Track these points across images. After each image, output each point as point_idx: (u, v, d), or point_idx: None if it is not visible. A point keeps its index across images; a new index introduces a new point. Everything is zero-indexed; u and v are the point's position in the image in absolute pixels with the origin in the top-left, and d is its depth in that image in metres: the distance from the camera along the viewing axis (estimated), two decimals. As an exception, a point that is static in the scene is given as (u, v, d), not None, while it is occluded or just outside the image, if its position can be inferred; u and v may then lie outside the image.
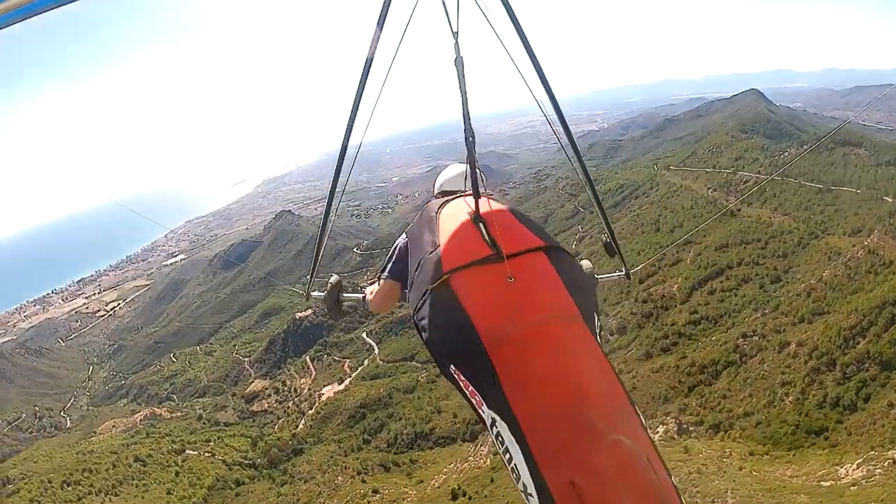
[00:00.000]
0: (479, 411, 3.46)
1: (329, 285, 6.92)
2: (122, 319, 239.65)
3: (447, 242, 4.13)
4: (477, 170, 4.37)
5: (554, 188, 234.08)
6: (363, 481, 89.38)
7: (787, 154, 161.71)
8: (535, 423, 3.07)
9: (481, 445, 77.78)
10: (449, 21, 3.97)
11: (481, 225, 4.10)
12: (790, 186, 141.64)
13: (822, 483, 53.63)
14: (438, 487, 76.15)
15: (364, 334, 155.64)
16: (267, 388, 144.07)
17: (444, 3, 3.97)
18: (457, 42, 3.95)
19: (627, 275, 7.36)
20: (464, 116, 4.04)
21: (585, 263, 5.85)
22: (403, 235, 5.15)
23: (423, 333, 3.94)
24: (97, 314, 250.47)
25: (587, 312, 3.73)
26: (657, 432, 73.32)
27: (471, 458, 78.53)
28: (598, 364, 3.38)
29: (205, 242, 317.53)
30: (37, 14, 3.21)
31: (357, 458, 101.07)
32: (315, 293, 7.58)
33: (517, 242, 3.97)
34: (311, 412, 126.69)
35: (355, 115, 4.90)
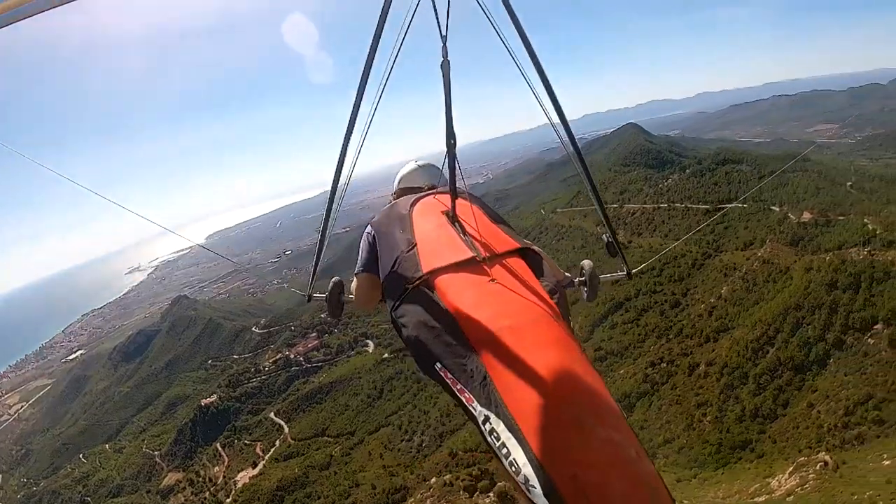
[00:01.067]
0: (470, 408, 3.38)
1: (330, 286, 6.64)
2: (27, 423, 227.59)
3: (424, 242, 4.24)
4: (457, 170, 4.52)
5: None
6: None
7: (670, 180, 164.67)
8: (529, 420, 3.07)
9: None
10: (438, 24, 3.91)
11: (458, 225, 4.27)
12: (677, 211, 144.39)
13: (756, 499, 52.09)
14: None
15: (272, 414, 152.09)
16: (181, 481, 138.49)
17: (434, 5, 3.89)
18: (444, 45, 3.91)
19: (629, 274, 7.20)
20: (446, 118, 4.05)
21: (587, 263, 5.89)
22: (369, 227, 5.13)
23: (402, 331, 3.97)
24: (1, 419, 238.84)
25: (564, 311, 3.82)
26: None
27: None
28: (579, 361, 3.35)
29: (103, 335, 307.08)
30: (35, 14, 3.20)
31: None
32: (316, 295, 7.35)
33: (494, 244, 4.13)
34: (228, 501, 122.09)
35: (356, 116, 4.60)
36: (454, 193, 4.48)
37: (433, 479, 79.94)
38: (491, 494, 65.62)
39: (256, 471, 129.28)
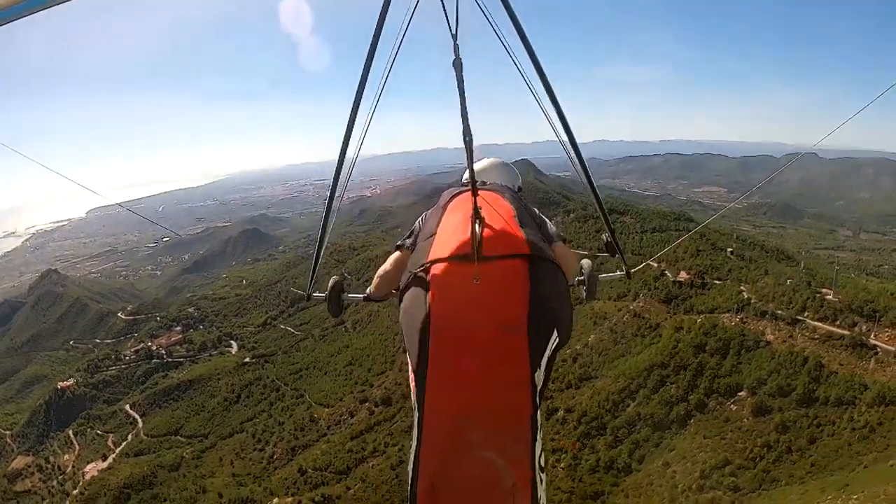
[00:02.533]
0: (412, 396, 3.63)
1: (329, 286, 6.32)
2: None
3: (441, 233, 4.33)
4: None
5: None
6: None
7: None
8: (432, 421, 3.37)
9: None
10: (448, 23, 3.85)
11: (476, 221, 4.07)
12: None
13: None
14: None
15: (128, 406, 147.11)
16: (30, 466, 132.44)
17: (443, 5, 3.87)
18: (456, 44, 3.81)
19: (628, 274, 7.25)
20: (462, 117, 3.88)
21: (586, 262, 5.87)
22: (424, 215, 5.22)
23: (399, 314, 4.07)
24: None
25: (541, 328, 3.69)
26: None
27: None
28: (513, 380, 3.45)
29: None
30: (35, 12, 3.35)
31: None
32: (316, 294, 7.03)
33: (502, 246, 4.04)
34: (75, 492, 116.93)
35: (355, 116, 4.74)
36: (475, 189, 4.22)
37: (275, 500, 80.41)
38: None
39: (105, 464, 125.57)
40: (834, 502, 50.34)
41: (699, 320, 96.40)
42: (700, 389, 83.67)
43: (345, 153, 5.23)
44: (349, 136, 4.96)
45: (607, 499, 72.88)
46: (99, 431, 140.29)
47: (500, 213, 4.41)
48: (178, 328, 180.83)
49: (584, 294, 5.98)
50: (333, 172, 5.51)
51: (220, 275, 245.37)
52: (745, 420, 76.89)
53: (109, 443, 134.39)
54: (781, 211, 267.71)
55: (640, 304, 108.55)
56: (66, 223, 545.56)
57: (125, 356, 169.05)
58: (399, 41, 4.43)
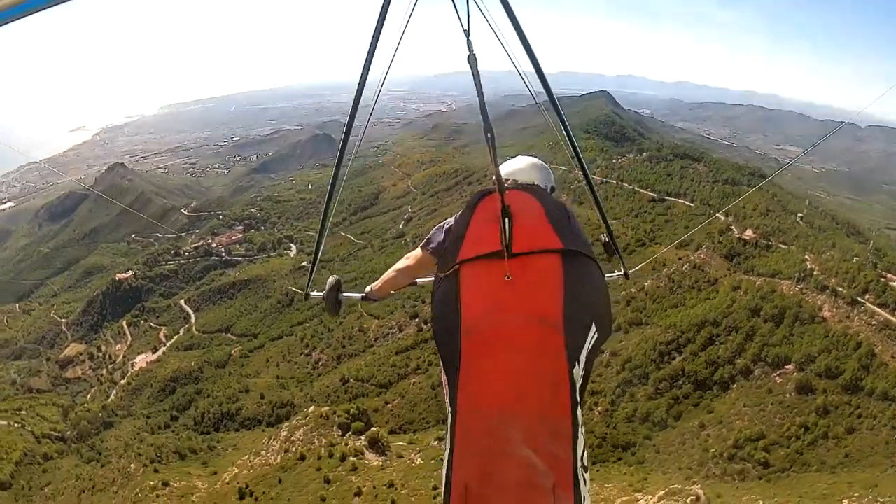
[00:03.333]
0: (444, 396, 3.52)
1: (328, 285, 6.12)
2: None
3: (470, 233, 4.18)
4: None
5: (389, 165, 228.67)
6: (155, 471, 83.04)
7: (625, 158, 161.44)
8: (466, 420, 3.21)
9: (273, 439, 72.69)
10: (460, 19, 3.71)
11: (506, 220, 3.92)
12: (624, 191, 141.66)
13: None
14: (228, 483, 71.38)
15: (182, 301, 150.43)
16: (82, 354, 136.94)
17: (454, 2, 3.71)
18: (468, 39, 3.67)
19: (626, 275, 6.91)
20: (482, 112, 3.85)
21: None
22: (452, 219, 4.92)
23: (431, 317, 4.02)
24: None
25: (577, 323, 3.60)
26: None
27: (263, 451, 73.52)
28: (549, 376, 3.32)
29: (36, 190, 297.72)
30: (36, 12, 3.10)
31: (156, 441, 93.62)
32: (314, 293, 6.62)
33: (532, 242, 3.91)
34: (122, 382, 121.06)
35: (360, 96, 4.65)
36: (501, 186, 3.98)
37: (311, 408, 77.15)
38: (363, 438, 64.75)
39: (155, 356, 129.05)
40: (860, 501, 48.18)
41: (758, 283, 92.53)
42: (747, 355, 80.00)
43: (345, 149, 5.26)
44: (348, 135, 4.96)
45: (637, 451, 71.27)
46: (152, 324, 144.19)
47: (529, 210, 4.18)
48: (240, 227, 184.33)
49: None
50: (331, 176, 5.50)
51: (286, 177, 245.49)
52: (788, 395, 73.16)
53: (161, 336, 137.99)
54: (858, 182, 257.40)
55: (702, 255, 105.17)
56: (136, 118, 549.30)
57: (184, 251, 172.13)
58: (399, 42, 4.31)
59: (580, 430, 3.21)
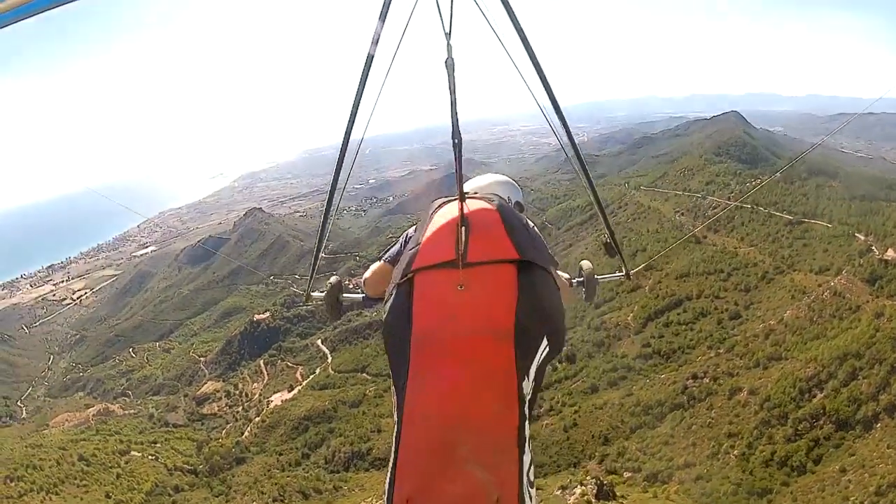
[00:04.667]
0: (394, 410, 3.40)
1: (329, 286, 6.29)
2: (87, 309, 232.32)
3: (426, 241, 4.09)
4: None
5: (525, 200, 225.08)
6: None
7: (758, 181, 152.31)
8: (410, 433, 3.11)
9: None
10: (442, 21, 3.79)
11: (462, 229, 3.94)
12: (759, 216, 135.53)
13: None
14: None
15: (319, 341, 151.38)
16: (219, 391, 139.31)
17: (437, 3, 3.81)
18: (449, 43, 3.74)
19: (628, 275, 6.96)
20: (452, 119, 3.87)
21: (585, 264, 5.98)
22: (413, 228, 4.92)
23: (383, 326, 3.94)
24: (63, 302, 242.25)
25: (529, 336, 3.49)
26: (574, 493, 65.78)
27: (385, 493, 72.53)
28: (499, 389, 3.23)
29: (177, 235, 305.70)
30: (38, 13, 3.28)
31: (282, 479, 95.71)
32: (315, 294, 7.00)
33: (488, 251, 3.84)
34: (257, 419, 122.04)
35: (356, 114, 4.72)
36: (462, 194, 4.06)
37: None
38: None
39: (291, 395, 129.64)
40: None
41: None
42: (893, 389, 72.99)
43: (344, 153, 5.26)
44: (348, 138, 4.99)
45: (774, 498, 66.72)
46: (289, 363, 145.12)
47: (486, 219, 4.10)
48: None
49: (584, 295, 5.89)
50: (343, 168, 5.57)
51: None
52: None
53: (298, 375, 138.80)
54: None
55: (842, 280, 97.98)
56: (274, 165, 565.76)
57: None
58: (399, 42, 4.40)
59: (527, 444, 3.11)
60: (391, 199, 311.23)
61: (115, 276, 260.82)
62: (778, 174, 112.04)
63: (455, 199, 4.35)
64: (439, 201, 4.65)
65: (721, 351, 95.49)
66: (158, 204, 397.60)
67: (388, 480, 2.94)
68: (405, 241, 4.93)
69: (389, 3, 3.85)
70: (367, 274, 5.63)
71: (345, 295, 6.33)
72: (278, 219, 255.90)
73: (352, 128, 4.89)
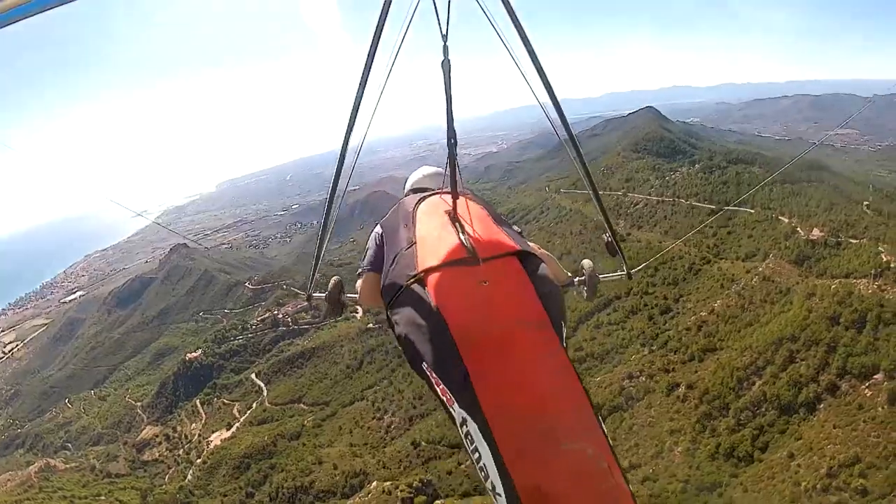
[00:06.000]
0: (450, 409, 3.46)
1: (330, 286, 6.29)
2: (20, 362, 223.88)
3: (423, 240, 4.19)
4: (457, 169, 4.54)
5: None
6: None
7: (678, 173, 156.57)
8: (502, 425, 3.15)
9: None
10: (439, 23, 3.91)
11: (458, 225, 4.16)
12: (681, 208, 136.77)
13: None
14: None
15: (253, 375, 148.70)
16: (158, 436, 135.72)
17: (434, 5, 3.93)
18: (445, 45, 3.89)
19: (629, 275, 6.97)
20: (447, 117, 4.06)
21: (587, 263, 5.96)
22: (378, 227, 5.11)
23: (395, 328, 3.95)
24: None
25: (555, 319, 3.72)
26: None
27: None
28: (563, 371, 3.43)
29: (104, 278, 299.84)
30: (37, 13, 3.36)
31: None
32: (316, 294, 7.24)
33: (493, 246, 4.01)
34: (199, 461, 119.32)
35: (355, 118, 4.74)
36: (455, 192, 4.38)
37: (374, 484, 76.39)
38: None
39: (230, 433, 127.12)
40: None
41: (833, 286, 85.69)
42: (832, 369, 73.53)
43: (344, 156, 5.30)
44: (348, 138, 4.95)
45: (725, 491, 65.71)
46: (225, 400, 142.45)
47: (477, 214, 4.34)
48: (304, 295, 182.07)
49: (585, 294, 5.84)
50: (333, 176, 5.72)
51: (348, 239, 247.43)
52: (880, 409, 65.91)
53: (235, 412, 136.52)
54: None
55: (770, 265, 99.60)
56: (196, 197, 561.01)
57: (251, 325, 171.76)
58: (399, 42, 4.38)
59: (599, 416, 3.24)
60: (315, 223, 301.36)
61: (45, 324, 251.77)
62: (776, 175, 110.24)
63: (433, 195, 4.79)
64: (414, 197, 4.83)
65: (655, 347, 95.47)
66: (83, 247, 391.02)
67: (494, 474, 3.01)
68: (379, 242, 4.88)
69: (388, 8, 3.81)
70: (360, 290, 5.27)
71: (347, 295, 6.14)
72: (203, 253, 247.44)
73: (350, 134, 4.81)
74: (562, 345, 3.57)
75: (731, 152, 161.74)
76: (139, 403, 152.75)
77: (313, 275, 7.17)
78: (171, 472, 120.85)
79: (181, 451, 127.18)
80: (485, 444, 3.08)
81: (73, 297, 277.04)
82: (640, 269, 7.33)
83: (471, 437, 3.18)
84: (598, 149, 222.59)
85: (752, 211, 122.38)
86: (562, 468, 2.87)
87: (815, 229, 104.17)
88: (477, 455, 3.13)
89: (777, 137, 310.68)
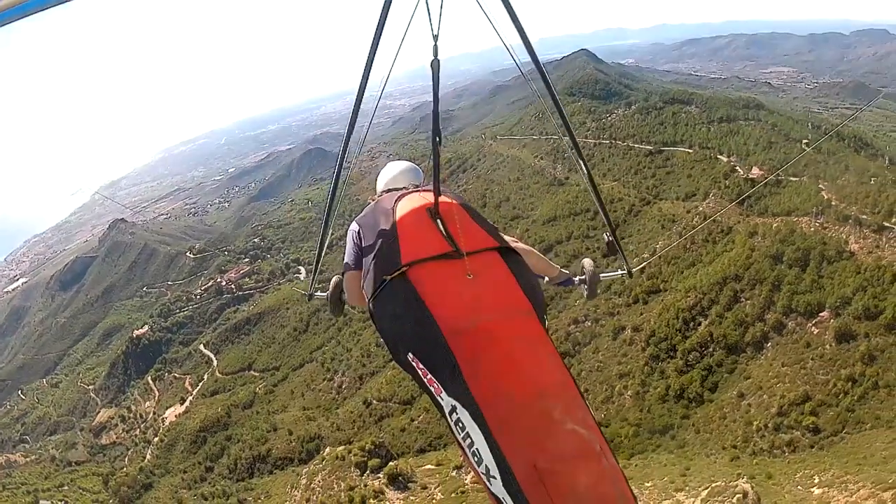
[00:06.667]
0: (437, 398, 3.51)
1: (331, 285, 6.18)
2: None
3: (404, 235, 4.23)
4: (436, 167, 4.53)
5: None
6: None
7: (614, 115, 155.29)
8: (495, 411, 3.20)
9: (294, 488, 71.34)
10: (430, 22, 3.79)
11: (439, 221, 4.22)
12: (619, 150, 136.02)
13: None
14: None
15: (202, 346, 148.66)
16: (113, 418, 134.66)
17: (426, 4, 3.81)
18: (436, 45, 3.79)
19: (629, 272, 6.98)
20: (433, 116, 4.01)
21: (587, 262, 6.09)
22: (354, 224, 5.11)
23: (378, 322, 4.10)
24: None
25: (538, 310, 3.81)
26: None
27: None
28: (550, 357, 3.48)
29: (45, 262, 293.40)
30: (36, 12, 3.28)
31: (191, 498, 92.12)
32: (318, 293, 7.12)
33: (474, 241, 4.10)
34: (156, 440, 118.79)
35: (356, 114, 4.89)
36: (437, 189, 4.43)
37: (327, 450, 75.61)
38: (381, 475, 61.68)
39: (183, 408, 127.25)
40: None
41: (775, 225, 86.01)
42: (778, 308, 73.42)
43: (345, 154, 5.36)
44: (349, 139, 5.05)
45: (677, 433, 65.87)
46: (176, 374, 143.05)
47: (454, 211, 4.32)
48: (246, 260, 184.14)
49: (585, 293, 6.00)
50: (334, 175, 5.64)
51: (286, 199, 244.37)
52: (828, 347, 66.08)
53: (187, 385, 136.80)
54: (854, 90, 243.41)
55: (710, 204, 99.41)
56: (131, 170, 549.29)
57: (196, 295, 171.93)
58: (400, 42, 4.51)
59: (587, 401, 3.31)
60: (252, 185, 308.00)
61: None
62: (811, 148, 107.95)
63: (410, 192, 4.86)
64: (391, 196, 4.90)
65: (599, 291, 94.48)
66: (21, 233, 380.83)
67: (490, 456, 3.03)
68: (358, 237, 4.89)
69: (388, 8, 3.82)
70: (346, 289, 5.40)
71: (347, 294, 5.71)
72: (142, 227, 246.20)
73: (352, 129, 4.90)
74: (546, 334, 3.61)
75: (667, 93, 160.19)
76: (91, 387, 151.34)
77: (315, 273, 7.16)
78: (129, 452, 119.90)
79: (138, 432, 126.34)
80: (477, 429, 3.11)
81: (14, 285, 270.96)
82: (641, 268, 7.70)
83: (461, 423, 3.21)
84: (532, 93, 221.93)
85: (690, 151, 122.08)
86: (557, 449, 2.91)
87: (754, 168, 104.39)
88: (469, 441, 3.15)
89: (713, 76, 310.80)
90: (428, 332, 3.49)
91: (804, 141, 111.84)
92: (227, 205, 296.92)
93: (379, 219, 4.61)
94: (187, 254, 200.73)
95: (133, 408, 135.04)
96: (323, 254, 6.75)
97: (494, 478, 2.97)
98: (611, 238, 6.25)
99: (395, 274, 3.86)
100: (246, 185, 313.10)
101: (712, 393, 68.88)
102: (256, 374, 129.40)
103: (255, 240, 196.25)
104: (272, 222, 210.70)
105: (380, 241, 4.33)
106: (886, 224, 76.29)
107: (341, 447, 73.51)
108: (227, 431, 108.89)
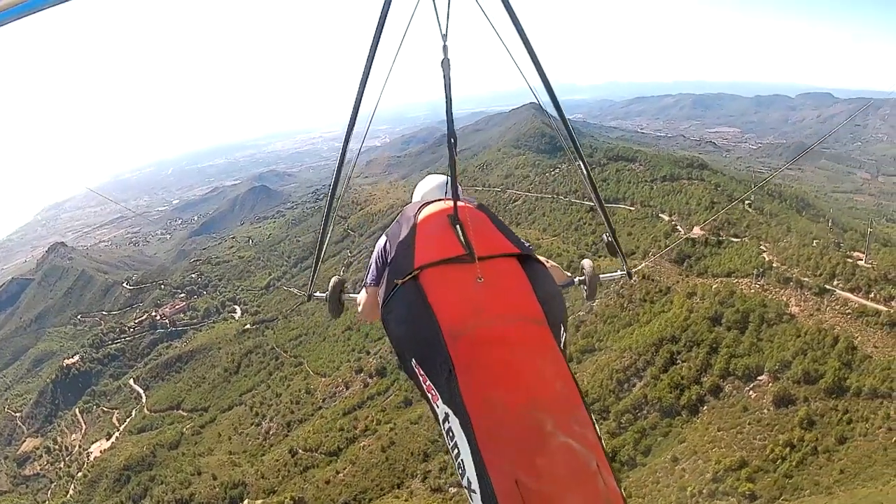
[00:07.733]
0: (434, 405, 3.42)
1: (331, 286, 6.27)
2: None
3: (421, 240, 4.16)
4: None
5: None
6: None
7: (558, 170, 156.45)
8: (485, 420, 3.07)
9: None
10: (438, 23, 3.88)
11: (458, 227, 4.10)
12: (560, 205, 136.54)
13: None
14: None
15: (132, 381, 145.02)
16: (38, 448, 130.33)
17: (434, 4, 3.90)
18: (445, 44, 3.83)
19: (629, 274, 6.91)
20: (447, 118, 4.01)
21: (587, 263, 6.02)
22: (384, 237, 4.94)
23: (388, 327, 4.00)
24: None
25: (553, 320, 3.66)
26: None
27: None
28: (555, 367, 3.34)
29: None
30: (35, 12, 3.25)
31: None
32: (317, 294, 6.94)
33: (491, 246, 4.00)
34: (79, 475, 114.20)
35: (354, 121, 4.91)
36: (456, 192, 4.24)
37: (245, 502, 77.17)
38: None
39: (109, 444, 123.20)
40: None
41: (715, 286, 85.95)
42: (715, 370, 73.09)
43: (345, 153, 5.38)
44: (348, 139, 5.05)
45: (608, 497, 63.98)
46: (104, 408, 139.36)
47: (476, 217, 4.25)
48: (182, 295, 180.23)
49: (585, 294, 5.92)
50: (334, 175, 5.64)
51: (227, 235, 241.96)
52: (766, 411, 66.03)
53: (114, 420, 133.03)
54: (796, 152, 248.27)
55: (650, 263, 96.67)
56: (76, 194, 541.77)
57: (129, 328, 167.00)
58: (400, 42, 4.52)
59: (592, 415, 3.15)
60: (195, 219, 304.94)
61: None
62: (737, 201, 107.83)
63: (436, 202, 4.60)
64: (416, 205, 4.72)
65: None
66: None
67: (473, 469, 2.88)
68: (382, 255, 4.69)
69: (388, 8, 3.94)
70: (361, 304, 5.21)
71: (347, 295, 6.03)
72: (82, 252, 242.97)
73: (351, 132, 4.91)
74: (559, 345, 3.50)
75: (612, 149, 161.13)
76: (18, 414, 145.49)
77: (314, 274, 6.94)
78: (52, 486, 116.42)
79: (62, 464, 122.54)
80: (465, 439, 2.96)
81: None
82: (640, 269, 7.60)
83: (452, 432, 3.08)
84: (479, 144, 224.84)
85: (632, 208, 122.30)
86: (547, 466, 2.72)
87: (696, 227, 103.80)
88: (456, 451, 3.01)
89: (659, 134, 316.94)
90: (430, 335, 3.34)
91: (747, 202, 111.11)
92: (168, 237, 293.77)
93: (402, 227, 4.41)
94: (124, 284, 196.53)
95: (59, 439, 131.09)
96: (322, 254, 6.65)
97: (475, 492, 2.81)
98: (610, 238, 6.09)
99: (407, 278, 3.74)
100: (189, 219, 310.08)
101: (645, 457, 68.01)
102: (185, 413, 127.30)
103: (193, 275, 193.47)
104: (211, 258, 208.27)
105: (400, 248, 4.16)
106: (828, 287, 76.90)
107: (259, 501, 75.61)
108: (151, 472, 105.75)
